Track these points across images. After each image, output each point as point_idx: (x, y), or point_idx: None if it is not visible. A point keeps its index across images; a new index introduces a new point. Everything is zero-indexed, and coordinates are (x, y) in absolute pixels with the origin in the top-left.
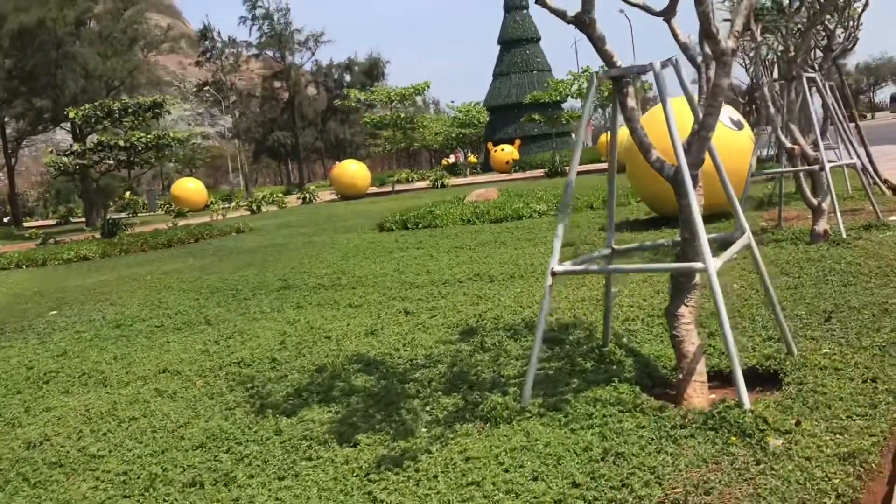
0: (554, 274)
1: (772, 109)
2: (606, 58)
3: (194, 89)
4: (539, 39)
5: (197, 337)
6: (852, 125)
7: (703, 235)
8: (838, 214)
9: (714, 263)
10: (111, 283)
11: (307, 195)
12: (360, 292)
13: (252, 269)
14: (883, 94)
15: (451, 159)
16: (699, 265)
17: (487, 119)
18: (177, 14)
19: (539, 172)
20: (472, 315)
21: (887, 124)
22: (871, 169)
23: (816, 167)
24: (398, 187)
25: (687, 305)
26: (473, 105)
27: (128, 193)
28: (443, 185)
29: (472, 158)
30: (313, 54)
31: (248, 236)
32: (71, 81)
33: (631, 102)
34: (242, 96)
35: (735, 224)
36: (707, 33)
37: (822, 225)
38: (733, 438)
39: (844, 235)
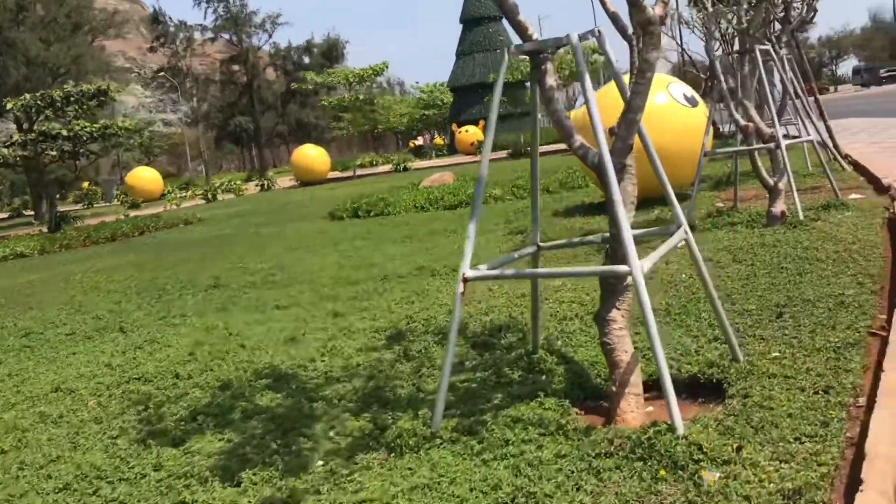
0: (466, 280)
1: (724, 84)
2: (521, 30)
3: (152, 75)
4: (502, 17)
5: (105, 347)
6: (811, 99)
7: (628, 233)
8: (795, 194)
9: (641, 266)
10: (37, 284)
11: (266, 182)
12: (292, 291)
13: (188, 265)
14: (845, 67)
15: (419, 141)
16: (623, 268)
17: (451, 100)
18: None
19: (504, 154)
20: (403, 316)
21: (850, 97)
22: (830, 144)
23: (772, 145)
24: (360, 172)
25: (619, 309)
26: (437, 85)
27: (86, 184)
28: (405, 169)
29: (438, 140)
30: (270, 36)
31: (195, 227)
32: (13, 69)
33: (550, 80)
34: (199, 81)
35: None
36: (631, 0)
37: (779, 206)
38: (663, 472)
39: (802, 217)
